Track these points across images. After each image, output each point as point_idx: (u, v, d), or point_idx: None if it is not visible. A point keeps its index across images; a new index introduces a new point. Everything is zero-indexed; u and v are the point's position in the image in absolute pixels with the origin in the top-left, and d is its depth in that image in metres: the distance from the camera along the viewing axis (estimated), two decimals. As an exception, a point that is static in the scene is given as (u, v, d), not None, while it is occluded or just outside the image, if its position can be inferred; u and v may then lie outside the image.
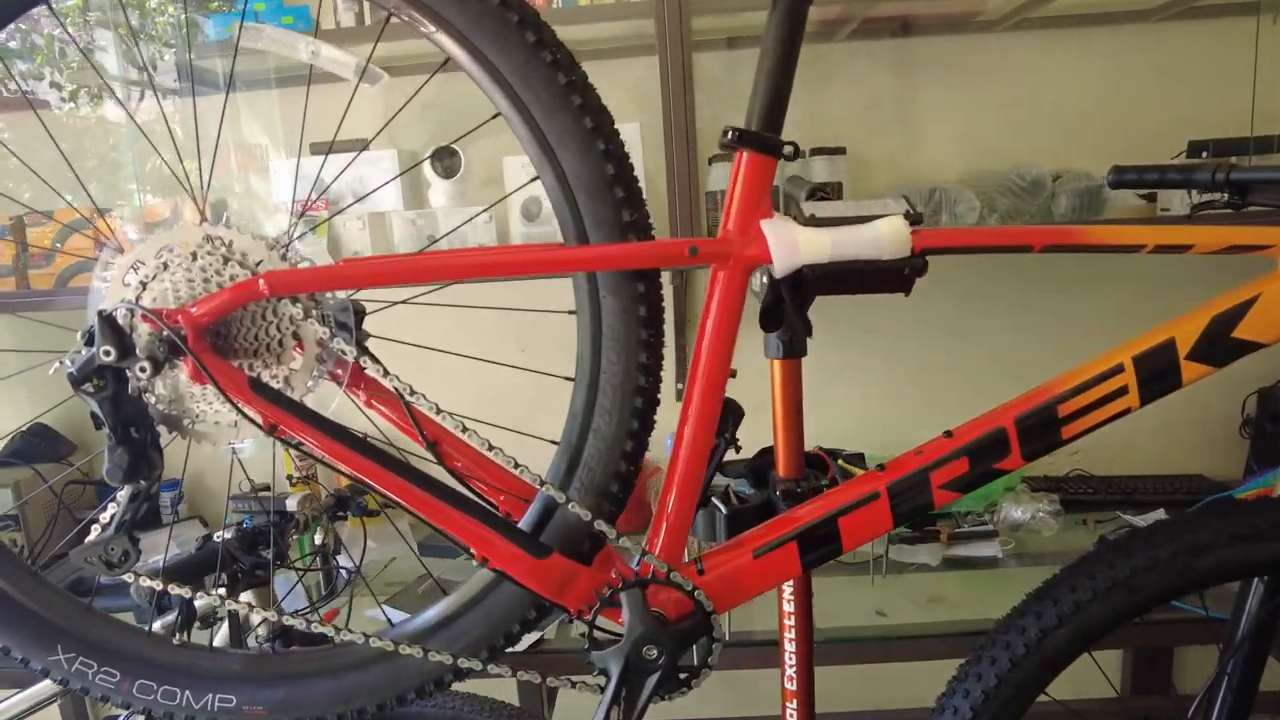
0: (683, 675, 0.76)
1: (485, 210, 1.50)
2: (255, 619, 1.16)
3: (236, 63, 1.68)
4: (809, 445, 0.89)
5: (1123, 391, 0.73)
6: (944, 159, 1.74)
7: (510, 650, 0.79)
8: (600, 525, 0.73)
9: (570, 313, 0.76)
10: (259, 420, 0.69)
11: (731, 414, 0.84)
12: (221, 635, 1.29)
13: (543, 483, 0.73)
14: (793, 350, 0.81)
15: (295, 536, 1.25)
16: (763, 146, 0.72)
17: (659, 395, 0.76)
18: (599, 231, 0.71)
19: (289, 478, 1.81)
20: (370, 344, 0.76)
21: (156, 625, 1.07)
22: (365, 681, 0.79)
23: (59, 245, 1.61)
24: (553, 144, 0.71)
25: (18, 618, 0.78)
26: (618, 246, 0.71)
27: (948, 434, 0.77)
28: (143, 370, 0.68)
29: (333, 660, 0.80)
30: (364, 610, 1.48)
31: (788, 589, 0.87)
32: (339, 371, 0.81)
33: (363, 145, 1.43)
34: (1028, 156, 1.60)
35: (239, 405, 0.68)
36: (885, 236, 0.72)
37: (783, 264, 0.71)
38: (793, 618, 0.87)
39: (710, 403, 0.75)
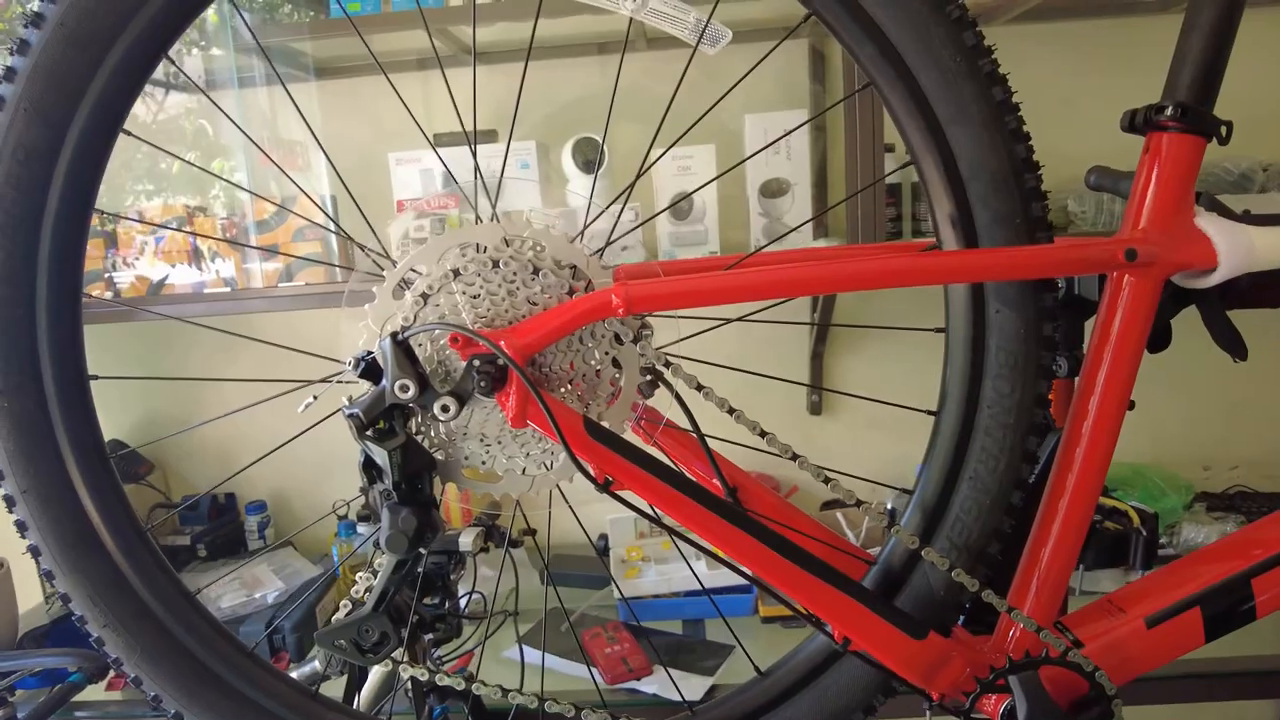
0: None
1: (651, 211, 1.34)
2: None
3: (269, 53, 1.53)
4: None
5: None
6: (1118, 150, 1.59)
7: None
8: (991, 598, 0.59)
9: (938, 330, 0.61)
10: (591, 471, 0.54)
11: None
12: (364, 697, 1.14)
13: (920, 546, 0.59)
14: (1078, 368, 0.67)
15: (455, 578, 1.10)
16: (1198, 125, 0.58)
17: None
18: (998, 229, 0.57)
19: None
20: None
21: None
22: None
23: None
24: (944, 119, 0.56)
25: (242, 712, 0.63)
26: (1036, 250, 0.56)
27: None
28: (444, 410, 0.53)
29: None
30: (502, 651, 1.33)
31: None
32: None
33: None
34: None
35: (575, 455, 0.53)
36: (1349, 237, 0.58)
37: (1229, 270, 0.57)
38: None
39: (1107, 436, 0.61)
